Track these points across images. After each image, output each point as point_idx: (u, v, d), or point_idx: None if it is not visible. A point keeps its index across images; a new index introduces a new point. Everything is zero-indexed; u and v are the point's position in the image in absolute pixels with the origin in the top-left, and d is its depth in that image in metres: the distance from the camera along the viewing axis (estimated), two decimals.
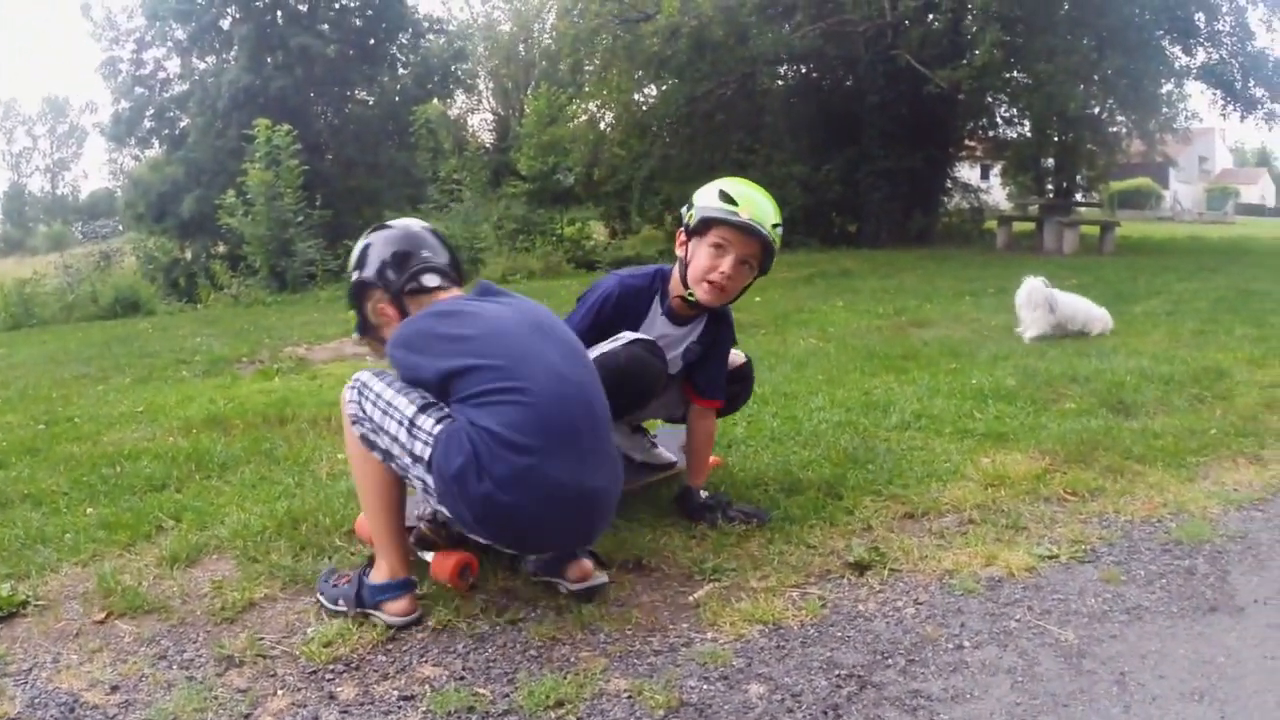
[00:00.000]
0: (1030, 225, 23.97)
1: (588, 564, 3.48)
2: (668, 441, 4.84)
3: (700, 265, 3.96)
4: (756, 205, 3.90)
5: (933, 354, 8.11)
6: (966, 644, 3.14)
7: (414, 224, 3.85)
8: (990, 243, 23.69)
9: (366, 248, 3.68)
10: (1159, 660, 3.05)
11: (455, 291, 3.62)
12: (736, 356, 4.46)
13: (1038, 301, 8.95)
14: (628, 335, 3.85)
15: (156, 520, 4.31)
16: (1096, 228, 22.21)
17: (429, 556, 3.60)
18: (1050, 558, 3.82)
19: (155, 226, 35.66)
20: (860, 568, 3.71)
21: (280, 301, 18.77)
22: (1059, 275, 14.62)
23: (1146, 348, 8.16)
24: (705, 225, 3.92)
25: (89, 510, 4.53)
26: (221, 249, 30.13)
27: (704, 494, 4.27)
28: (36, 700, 2.89)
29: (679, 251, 4.07)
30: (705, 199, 3.94)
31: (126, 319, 17.89)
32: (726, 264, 3.92)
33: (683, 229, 4.05)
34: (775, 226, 3.96)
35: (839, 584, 3.61)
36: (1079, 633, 3.22)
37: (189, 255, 34.31)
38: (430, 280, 3.61)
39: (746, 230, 3.87)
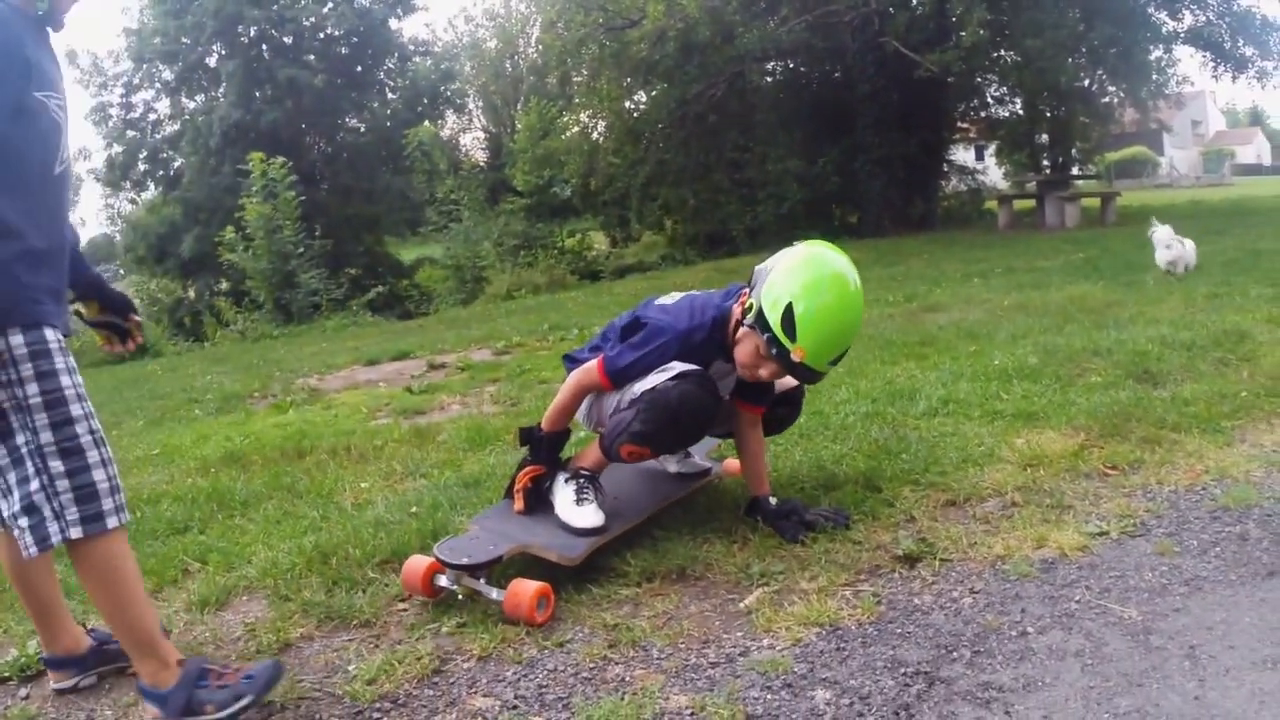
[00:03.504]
0: (1030, 203, 23.92)
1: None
2: (699, 449, 4.68)
3: (742, 358, 3.78)
4: (819, 345, 3.61)
5: (950, 338, 8.03)
6: (1030, 630, 3.06)
7: None
8: (992, 223, 23.68)
9: None
10: (1226, 630, 2.97)
11: None
12: (789, 379, 4.17)
13: (1170, 240, 10.76)
14: (677, 367, 3.72)
15: (182, 564, 4.24)
16: (1097, 200, 22.16)
17: (495, 594, 3.47)
18: (1101, 535, 3.74)
19: (157, 268, 35.70)
20: (910, 560, 3.62)
21: (287, 334, 18.74)
22: (1064, 250, 14.70)
23: (1164, 315, 8.08)
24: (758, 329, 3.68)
25: None
26: (225, 286, 30.08)
27: (773, 500, 4.11)
28: None
29: (738, 308, 3.81)
30: (772, 303, 3.60)
31: (135, 362, 17.85)
32: (765, 372, 3.74)
33: (750, 290, 3.78)
34: (835, 361, 3.75)
35: (890, 579, 3.53)
36: (1142, 609, 3.14)
37: (192, 294, 34.36)
38: None
39: (792, 369, 3.69)
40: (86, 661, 3.24)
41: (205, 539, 4.60)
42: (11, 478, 2.75)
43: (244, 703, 2.82)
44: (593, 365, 3.91)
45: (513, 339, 11.43)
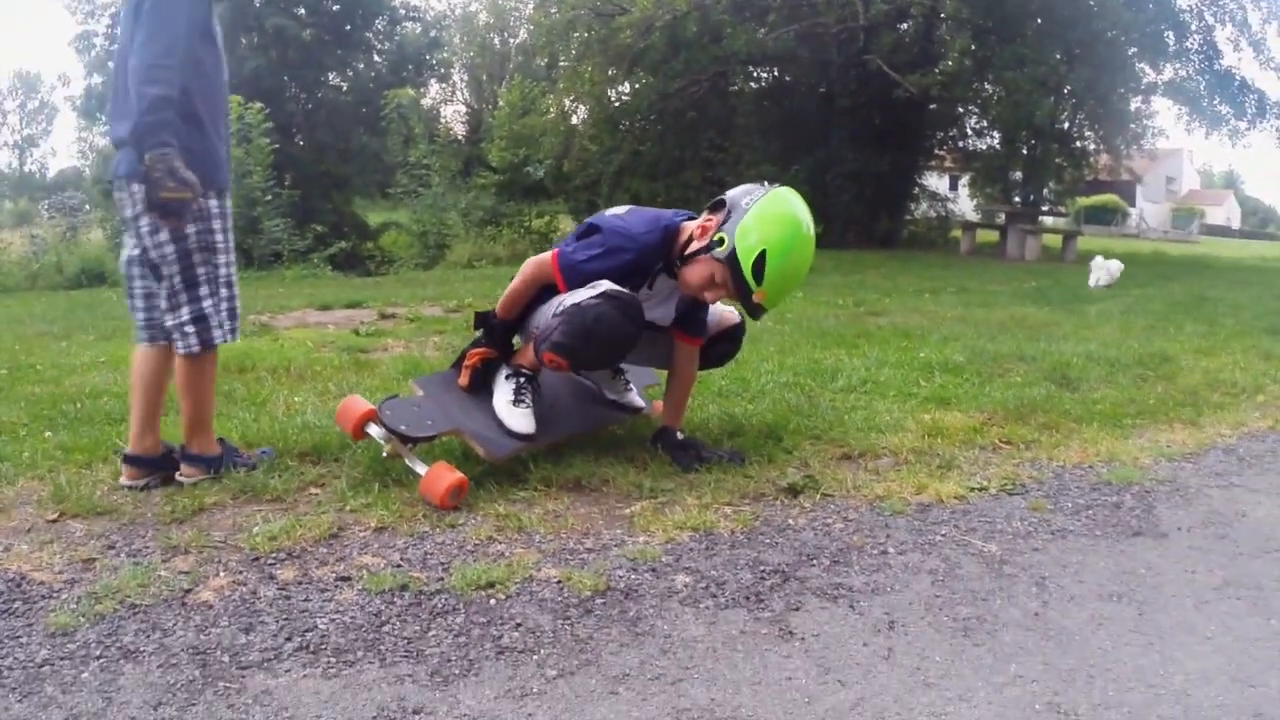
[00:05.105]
0: (995, 235, 24.17)
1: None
2: (635, 382, 4.80)
3: (692, 279, 3.91)
4: (778, 291, 3.84)
5: (885, 335, 8.21)
6: (891, 550, 3.28)
7: None
8: (954, 249, 23.88)
9: None
10: (1080, 569, 3.21)
11: None
12: (732, 315, 4.42)
13: (1102, 265, 14.30)
14: (603, 285, 3.83)
15: (114, 445, 4.35)
16: (1059, 237, 22.42)
17: (420, 469, 3.70)
18: (980, 489, 3.97)
19: None
20: (794, 491, 3.84)
21: (246, 278, 18.69)
22: (1018, 277, 14.92)
23: (1096, 336, 8.31)
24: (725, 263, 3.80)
25: (48, 434, 4.59)
26: None
27: (680, 435, 4.32)
28: None
29: (698, 228, 3.92)
30: (745, 244, 3.72)
31: (92, 289, 17.85)
32: (710, 295, 3.93)
33: (717, 219, 3.85)
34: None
35: (772, 504, 3.74)
36: (1002, 546, 3.37)
37: None
38: None
39: (747, 305, 3.88)
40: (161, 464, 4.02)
41: None
42: (184, 297, 3.74)
43: (255, 469, 3.92)
44: (547, 257, 4.05)
45: (465, 300, 11.50)
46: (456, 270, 19.74)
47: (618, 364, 4.33)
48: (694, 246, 3.89)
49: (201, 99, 3.64)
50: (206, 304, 3.77)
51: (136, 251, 3.79)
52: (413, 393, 4.19)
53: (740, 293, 3.79)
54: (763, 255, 3.70)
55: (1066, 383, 6.15)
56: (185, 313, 3.73)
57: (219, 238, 3.80)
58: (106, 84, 38.18)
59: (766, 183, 3.96)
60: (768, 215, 3.77)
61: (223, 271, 3.84)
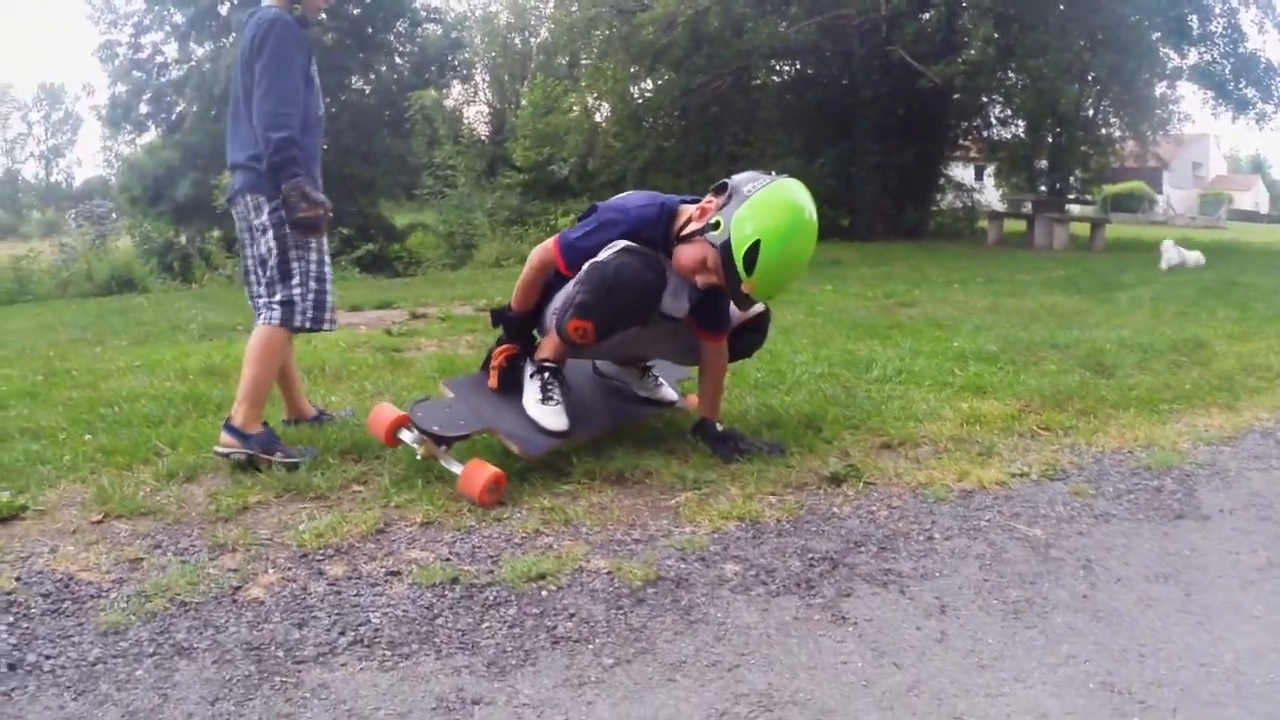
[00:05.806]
0: (1022, 225, 24.06)
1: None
2: (666, 377, 4.83)
3: (684, 260, 3.87)
4: (769, 284, 3.78)
5: (918, 325, 8.21)
6: (937, 536, 3.29)
7: None
8: (981, 239, 23.79)
9: None
10: (1125, 552, 3.22)
11: None
12: (754, 308, 4.30)
13: (1173, 250, 15.53)
14: (620, 243, 3.84)
15: (154, 447, 4.39)
16: (1087, 226, 22.31)
17: (455, 468, 3.72)
18: (1021, 475, 3.97)
19: (150, 210, 35.43)
20: (836, 480, 3.84)
21: None
22: (1047, 267, 14.87)
23: (1129, 323, 8.30)
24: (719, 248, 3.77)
25: (87, 437, 4.62)
26: (216, 233, 30.04)
27: (720, 426, 4.32)
28: (32, 579, 3.00)
29: (697, 210, 3.91)
30: (741, 233, 3.67)
31: (122, 295, 17.93)
32: (700, 280, 3.87)
33: (717, 202, 3.82)
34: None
35: (816, 493, 3.75)
36: (1047, 530, 3.38)
37: (183, 239, 34.27)
38: None
39: (734, 294, 3.85)
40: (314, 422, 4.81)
41: (178, 430, 4.75)
42: (279, 286, 4.30)
43: (295, 461, 4.04)
44: (549, 241, 4.07)
45: (495, 298, 11.51)
46: (484, 270, 19.77)
47: (642, 320, 4.06)
48: (691, 228, 3.86)
49: (302, 131, 4.25)
50: (295, 291, 4.31)
51: (257, 252, 4.43)
52: (442, 395, 4.21)
53: (728, 280, 3.75)
54: (756, 246, 3.65)
55: (1101, 369, 6.14)
56: (278, 297, 4.31)
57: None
58: (130, 93, 38.42)
59: (774, 172, 3.90)
60: (768, 206, 3.73)
61: (313, 267, 4.35)
